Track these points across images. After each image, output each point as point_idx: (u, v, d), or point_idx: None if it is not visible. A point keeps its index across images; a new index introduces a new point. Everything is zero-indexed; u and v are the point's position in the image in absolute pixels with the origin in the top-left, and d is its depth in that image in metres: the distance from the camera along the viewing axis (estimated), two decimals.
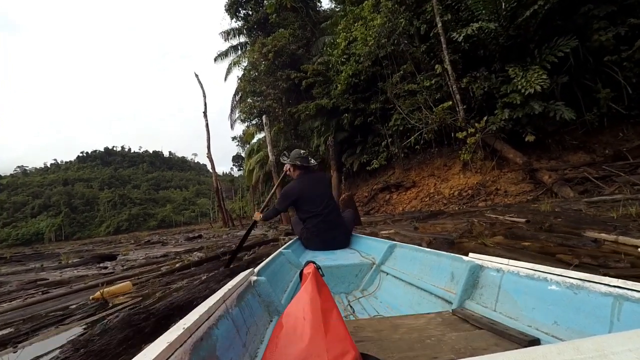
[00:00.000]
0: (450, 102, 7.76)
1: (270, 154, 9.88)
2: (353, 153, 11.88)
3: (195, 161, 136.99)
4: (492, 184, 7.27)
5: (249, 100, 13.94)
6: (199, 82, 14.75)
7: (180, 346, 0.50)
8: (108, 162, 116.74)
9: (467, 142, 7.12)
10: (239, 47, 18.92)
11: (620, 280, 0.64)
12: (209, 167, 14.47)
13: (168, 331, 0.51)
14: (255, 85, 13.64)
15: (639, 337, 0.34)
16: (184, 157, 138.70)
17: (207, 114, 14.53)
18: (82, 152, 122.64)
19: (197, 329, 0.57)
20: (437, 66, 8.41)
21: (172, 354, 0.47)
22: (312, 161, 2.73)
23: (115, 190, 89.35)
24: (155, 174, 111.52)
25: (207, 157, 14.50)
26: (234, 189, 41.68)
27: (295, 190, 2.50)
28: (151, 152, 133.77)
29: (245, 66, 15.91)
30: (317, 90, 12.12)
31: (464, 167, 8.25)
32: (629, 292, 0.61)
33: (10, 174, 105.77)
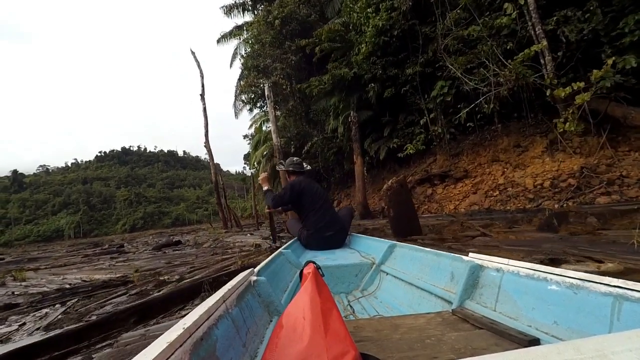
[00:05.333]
0: (539, 46, 5.21)
1: (274, 136, 7.62)
2: (379, 137, 9.44)
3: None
4: (608, 170, 4.70)
5: (252, 75, 11.69)
6: (196, 60, 12.67)
7: (180, 346, 0.49)
8: (125, 161, 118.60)
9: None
10: (245, 28, 16.85)
11: (620, 280, 0.63)
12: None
13: (168, 331, 0.50)
14: (259, 60, 11.44)
15: (639, 337, 0.34)
16: (197, 156, 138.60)
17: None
18: (100, 152, 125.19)
19: (197, 329, 0.56)
20: (506, 5, 5.87)
21: (172, 353, 0.46)
22: (308, 167, 2.86)
23: (132, 189, 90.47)
24: (169, 172, 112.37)
25: (205, 146, 12.41)
26: (245, 187, 40.61)
27: (298, 183, 2.56)
28: (166, 151, 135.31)
29: (248, 38, 13.72)
30: (332, 65, 9.74)
31: (551, 146, 5.69)
32: (629, 292, 0.59)
33: (34, 173, 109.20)
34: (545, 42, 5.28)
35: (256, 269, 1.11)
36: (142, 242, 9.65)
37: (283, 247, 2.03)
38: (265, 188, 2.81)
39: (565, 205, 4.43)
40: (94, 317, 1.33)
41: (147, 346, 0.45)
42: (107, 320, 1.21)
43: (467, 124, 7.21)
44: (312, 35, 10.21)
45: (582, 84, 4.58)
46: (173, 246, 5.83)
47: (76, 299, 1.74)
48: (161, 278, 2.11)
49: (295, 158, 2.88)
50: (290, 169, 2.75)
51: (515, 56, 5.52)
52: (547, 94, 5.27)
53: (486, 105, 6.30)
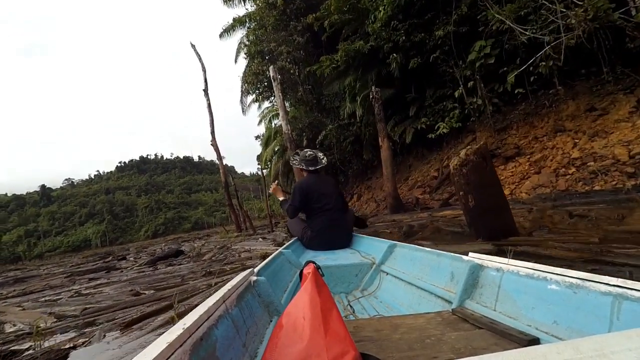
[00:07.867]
0: None
1: (283, 124, 6.60)
2: (404, 118, 8.23)
3: (224, 164, 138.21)
4: None
5: (256, 62, 10.67)
6: (197, 54, 11.82)
7: (180, 346, 0.48)
8: (144, 169, 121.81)
9: None
10: (248, 16, 15.90)
11: (620, 279, 0.61)
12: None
13: (168, 331, 0.49)
14: (263, 45, 10.44)
15: (639, 337, 0.34)
16: (212, 160, 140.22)
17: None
18: (120, 162, 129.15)
19: (197, 329, 0.55)
20: None
21: (172, 354, 0.45)
22: (324, 160, 2.67)
23: (151, 196, 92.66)
24: (186, 178, 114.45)
25: (212, 144, 11.59)
26: (260, 188, 40.16)
27: (305, 185, 2.50)
28: (182, 157, 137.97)
29: (252, 26, 12.74)
30: (344, 44, 8.57)
31: None
32: (629, 292, 0.57)
33: (60, 187, 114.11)
34: None
35: (256, 269, 1.09)
36: (150, 251, 8.94)
37: (283, 247, 2.00)
38: (280, 199, 2.71)
39: None
40: None
41: None
42: None
43: (516, 91, 5.90)
44: (319, 11, 9.07)
45: None
46: (172, 258, 4.93)
47: None
48: (68, 346, 1.14)
49: (308, 152, 2.67)
50: (302, 166, 2.59)
51: None
52: (628, 38, 3.93)
53: (543, 63, 4.99)
